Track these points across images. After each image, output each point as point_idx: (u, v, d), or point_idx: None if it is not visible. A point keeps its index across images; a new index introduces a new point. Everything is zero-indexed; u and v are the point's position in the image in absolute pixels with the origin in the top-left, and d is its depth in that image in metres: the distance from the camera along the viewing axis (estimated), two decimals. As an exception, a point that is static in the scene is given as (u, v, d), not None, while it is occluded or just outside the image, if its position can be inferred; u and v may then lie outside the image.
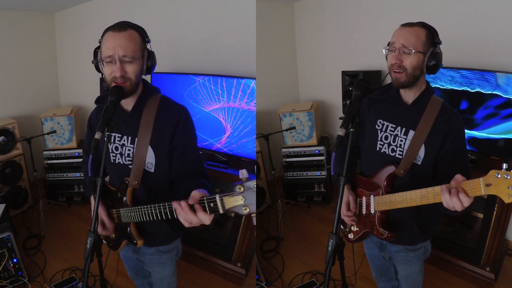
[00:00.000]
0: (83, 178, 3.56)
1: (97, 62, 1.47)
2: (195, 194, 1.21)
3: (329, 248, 1.37)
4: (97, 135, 1.35)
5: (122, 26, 1.40)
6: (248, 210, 1.10)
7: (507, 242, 2.81)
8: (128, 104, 1.50)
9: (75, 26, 3.94)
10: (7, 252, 2.48)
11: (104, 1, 3.69)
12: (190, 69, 3.10)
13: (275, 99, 3.89)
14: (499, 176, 1.08)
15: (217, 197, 1.13)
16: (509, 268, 2.66)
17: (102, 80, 3.38)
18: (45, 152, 3.53)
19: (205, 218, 1.18)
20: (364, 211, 1.59)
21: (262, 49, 3.50)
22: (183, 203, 1.21)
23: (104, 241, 1.68)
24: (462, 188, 1.20)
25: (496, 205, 2.39)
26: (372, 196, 1.55)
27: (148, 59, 1.45)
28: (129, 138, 1.50)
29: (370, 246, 1.80)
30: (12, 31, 3.68)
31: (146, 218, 1.39)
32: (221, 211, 1.14)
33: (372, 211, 1.55)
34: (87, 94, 3.96)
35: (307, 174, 3.51)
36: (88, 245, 1.46)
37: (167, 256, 1.71)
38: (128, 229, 1.52)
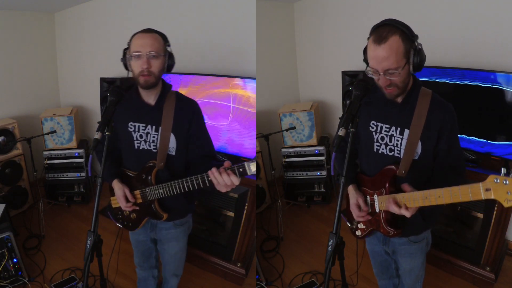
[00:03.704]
0: (83, 178, 3.57)
1: (125, 61, 1.67)
2: (227, 163, 1.50)
3: (329, 248, 1.38)
4: (97, 135, 1.45)
5: (149, 30, 1.65)
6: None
7: (507, 242, 2.81)
8: (150, 98, 1.72)
9: (75, 26, 3.94)
10: (7, 252, 2.48)
11: (104, 1, 3.69)
12: (190, 69, 3.10)
13: (275, 99, 3.89)
14: (498, 181, 1.10)
15: (245, 163, 1.46)
16: (509, 268, 2.66)
17: (102, 80, 3.40)
18: (45, 152, 3.53)
19: (235, 180, 1.49)
20: (369, 210, 1.61)
21: (262, 49, 3.50)
22: (221, 168, 1.49)
23: (120, 225, 1.89)
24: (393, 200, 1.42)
25: (496, 205, 2.39)
26: (375, 195, 1.57)
27: (169, 59, 1.68)
28: (153, 127, 1.72)
29: (372, 242, 1.80)
30: (12, 31, 3.68)
31: (176, 191, 1.63)
32: (248, 173, 1.47)
33: (377, 210, 1.57)
34: (87, 94, 3.97)
35: (307, 174, 3.51)
36: (88, 245, 1.47)
37: (181, 229, 1.92)
38: (153, 206, 1.74)
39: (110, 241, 3.04)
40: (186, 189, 1.60)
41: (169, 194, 1.66)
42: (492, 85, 2.40)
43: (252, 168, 1.46)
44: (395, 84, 1.40)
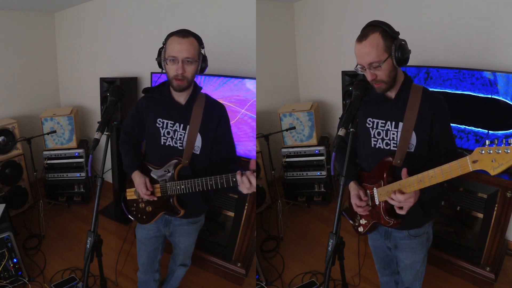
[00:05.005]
0: (83, 178, 3.57)
1: (160, 60, 1.71)
2: (253, 164, 1.56)
3: (329, 248, 1.39)
4: (97, 135, 1.46)
5: (186, 34, 1.67)
6: None
7: (507, 242, 2.81)
8: (181, 98, 1.77)
9: (75, 26, 3.94)
10: (7, 252, 2.48)
11: (104, 1, 3.69)
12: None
13: (275, 99, 3.89)
14: (483, 152, 1.18)
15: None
16: (509, 268, 2.66)
17: (102, 80, 3.40)
18: (45, 152, 3.53)
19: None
20: (369, 201, 1.65)
21: (262, 49, 3.50)
22: (248, 172, 1.56)
23: (133, 218, 1.91)
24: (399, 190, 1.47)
25: (496, 205, 2.39)
26: (374, 188, 1.62)
27: (202, 62, 1.73)
28: (181, 125, 1.77)
29: (374, 237, 1.84)
30: (12, 31, 3.68)
31: (198, 189, 1.67)
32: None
33: (377, 202, 1.62)
34: (87, 94, 3.97)
35: (307, 174, 3.51)
36: (88, 245, 1.47)
37: (194, 227, 1.99)
38: (171, 200, 1.78)
39: (110, 241, 3.06)
40: (209, 187, 1.65)
41: (190, 191, 1.70)
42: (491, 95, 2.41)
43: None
44: (380, 79, 1.49)
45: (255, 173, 1.56)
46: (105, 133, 1.53)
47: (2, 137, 3.26)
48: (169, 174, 1.76)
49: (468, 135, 2.57)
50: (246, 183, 1.56)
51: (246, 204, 2.66)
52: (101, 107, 3.42)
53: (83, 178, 3.58)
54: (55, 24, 4.06)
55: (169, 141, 1.78)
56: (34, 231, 3.20)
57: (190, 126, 1.75)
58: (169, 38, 1.69)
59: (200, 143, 1.77)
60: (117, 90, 1.65)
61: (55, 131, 3.50)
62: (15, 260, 2.52)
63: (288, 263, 2.88)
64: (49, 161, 3.52)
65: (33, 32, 3.88)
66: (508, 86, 2.34)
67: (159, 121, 1.78)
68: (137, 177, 1.80)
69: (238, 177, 1.56)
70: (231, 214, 2.82)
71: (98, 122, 1.55)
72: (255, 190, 1.59)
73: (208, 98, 1.83)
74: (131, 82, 3.46)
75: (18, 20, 3.71)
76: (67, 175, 3.58)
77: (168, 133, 1.78)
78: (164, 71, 1.72)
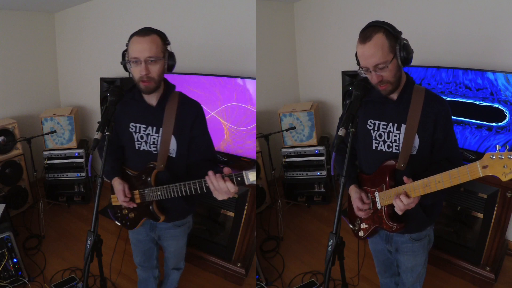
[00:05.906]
0: (83, 178, 3.57)
1: (125, 63, 1.63)
2: (226, 169, 1.48)
3: (329, 248, 1.39)
4: (97, 135, 1.45)
5: (146, 32, 1.57)
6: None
7: (507, 242, 2.81)
8: (151, 99, 1.69)
9: (75, 26, 3.94)
10: (7, 252, 2.48)
11: (104, 1, 3.69)
12: (190, 69, 3.10)
13: (275, 99, 3.89)
14: (494, 157, 1.14)
15: (244, 172, 1.41)
16: (509, 268, 2.66)
17: (102, 80, 3.40)
18: (45, 152, 3.53)
19: (232, 187, 1.45)
20: (371, 205, 1.62)
21: (262, 49, 3.50)
22: (218, 174, 1.46)
23: (119, 223, 1.87)
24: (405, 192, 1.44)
25: (496, 205, 2.39)
26: (376, 192, 1.58)
27: (169, 59, 1.64)
28: (154, 128, 1.70)
29: (375, 241, 1.82)
30: (12, 31, 3.68)
31: (174, 195, 1.60)
32: (246, 182, 1.42)
33: (379, 207, 1.59)
34: (87, 94, 3.97)
35: (307, 174, 3.51)
36: (88, 245, 1.47)
37: (181, 229, 1.93)
38: (151, 207, 1.72)
39: (110, 241, 3.05)
40: (184, 193, 1.58)
41: (167, 197, 1.64)
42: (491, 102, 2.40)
43: (250, 177, 1.40)
44: (386, 80, 1.45)
45: (229, 178, 1.45)
46: (105, 133, 1.52)
47: (2, 137, 3.26)
48: (146, 180, 1.70)
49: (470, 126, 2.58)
50: (219, 189, 1.47)
51: (246, 204, 2.66)
52: (101, 107, 3.42)
53: (83, 178, 3.58)
54: (55, 24, 4.06)
55: (143, 146, 1.72)
56: (34, 231, 3.20)
57: (163, 128, 1.67)
58: (130, 38, 1.59)
59: (175, 145, 1.69)
60: (117, 90, 1.63)
61: (55, 131, 3.50)
62: (15, 260, 2.52)
63: (288, 263, 2.87)
64: (49, 161, 3.52)
65: (33, 32, 3.88)
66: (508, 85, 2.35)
67: (132, 125, 1.72)
68: (116, 184, 1.74)
69: (208, 180, 1.47)
70: (231, 214, 2.82)
71: (98, 122, 1.55)
72: (231, 196, 1.49)
73: (182, 97, 1.74)
74: (131, 82, 3.45)
75: (18, 20, 3.70)
76: (67, 175, 3.58)
77: (142, 137, 1.71)
78: (131, 75, 1.63)
